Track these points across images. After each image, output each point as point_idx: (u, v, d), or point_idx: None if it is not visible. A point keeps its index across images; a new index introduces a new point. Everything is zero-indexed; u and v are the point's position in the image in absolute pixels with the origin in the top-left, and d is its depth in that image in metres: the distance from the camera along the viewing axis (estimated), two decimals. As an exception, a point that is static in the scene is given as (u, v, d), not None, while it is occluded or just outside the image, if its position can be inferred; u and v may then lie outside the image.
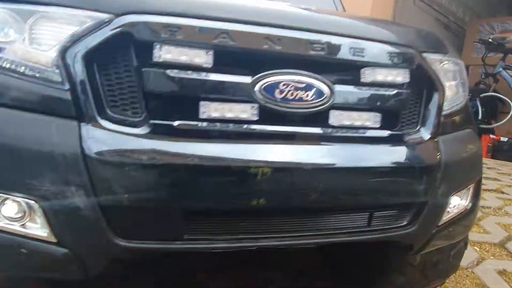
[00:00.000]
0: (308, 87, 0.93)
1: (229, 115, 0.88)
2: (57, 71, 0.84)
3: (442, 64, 1.19)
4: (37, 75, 0.85)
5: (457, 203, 1.23)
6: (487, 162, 5.45)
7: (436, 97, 1.11)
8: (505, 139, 5.98)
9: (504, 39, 6.16)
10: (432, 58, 1.15)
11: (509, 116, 5.50)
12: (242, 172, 0.86)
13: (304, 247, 1.13)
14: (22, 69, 0.85)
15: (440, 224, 1.17)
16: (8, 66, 0.85)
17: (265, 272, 1.96)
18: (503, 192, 3.91)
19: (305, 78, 0.93)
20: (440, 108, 1.12)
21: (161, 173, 0.84)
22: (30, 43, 0.87)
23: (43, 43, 0.86)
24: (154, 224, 0.88)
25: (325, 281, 1.79)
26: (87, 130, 0.82)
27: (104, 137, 0.83)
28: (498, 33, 6.58)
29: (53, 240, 0.85)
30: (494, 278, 2.17)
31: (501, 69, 5.50)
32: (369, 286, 1.63)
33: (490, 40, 5.47)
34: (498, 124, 5.95)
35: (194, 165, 0.85)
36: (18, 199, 0.84)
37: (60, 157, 0.81)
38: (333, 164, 0.95)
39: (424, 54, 1.12)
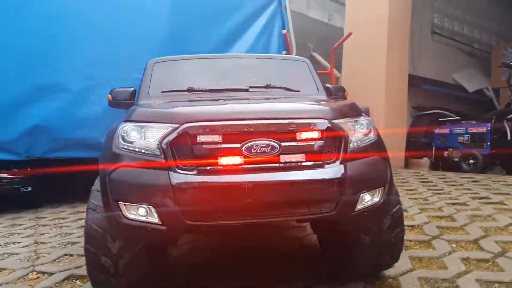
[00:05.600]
0: (268, 146, 2.00)
1: (231, 162, 1.98)
2: (158, 151, 2.00)
3: (349, 123, 2.21)
4: (150, 152, 2.01)
5: (369, 198, 2.18)
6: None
7: (343, 141, 2.13)
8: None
9: (525, 62, 6.68)
10: (342, 121, 2.18)
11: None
12: (239, 187, 1.93)
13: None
14: (143, 150, 2.03)
15: (356, 210, 2.12)
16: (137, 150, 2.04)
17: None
18: None
19: (266, 141, 2.01)
20: (346, 147, 2.13)
21: (204, 190, 1.94)
22: (145, 139, 2.04)
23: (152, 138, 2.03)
24: (202, 214, 1.97)
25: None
26: (172, 175, 1.95)
27: (178, 177, 1.95)
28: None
29: (160, 223, 1.96)
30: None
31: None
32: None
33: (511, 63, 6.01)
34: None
35: (217, 185, 1.94)
36: (145, 206, 1.97)
37: (163, 187, 1.94)
38: (285, 180, 2.00)
39: (334, 120, 2.15)
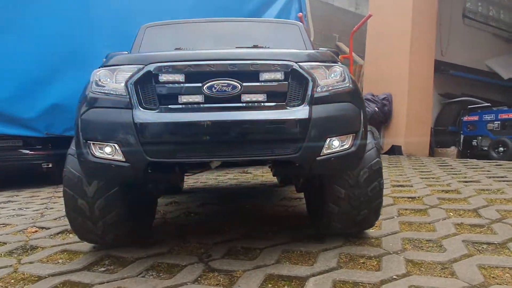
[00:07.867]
0: (229, 85, 2.01)
1: (191, 100, 2.00)
2: (124, 91, 2.06)
3: (320, 68, 2.16)
4: (117, 93, 2.08)
5: (338, 144, 2.13)
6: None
7: (310, 84, 2.09)
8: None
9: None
10: (311, 64, 2.14)
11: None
12: (198, 124, 1.95)
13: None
14: (112, 92, 2.09)
15: (322, 154, 2.08)
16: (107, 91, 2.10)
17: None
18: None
19: (227, 81, 2.01)
20: (313, 90, 2.09)
21: (164, 127, 1.98)
22: (115, 82, 2.11)
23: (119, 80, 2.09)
24: (163, 149, 2.01)
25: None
26: (135, 112, 2.00)
27: (141, 114, 2.00)
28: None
29: (124, 160, 2.02)
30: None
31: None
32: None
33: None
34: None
35: (179, 122, 1.97)
36: (111, 144, 2.03)
37: (126, 124, 1.99)
38: (245, 119, 1.99)
39: (301, 63, 2.12)
